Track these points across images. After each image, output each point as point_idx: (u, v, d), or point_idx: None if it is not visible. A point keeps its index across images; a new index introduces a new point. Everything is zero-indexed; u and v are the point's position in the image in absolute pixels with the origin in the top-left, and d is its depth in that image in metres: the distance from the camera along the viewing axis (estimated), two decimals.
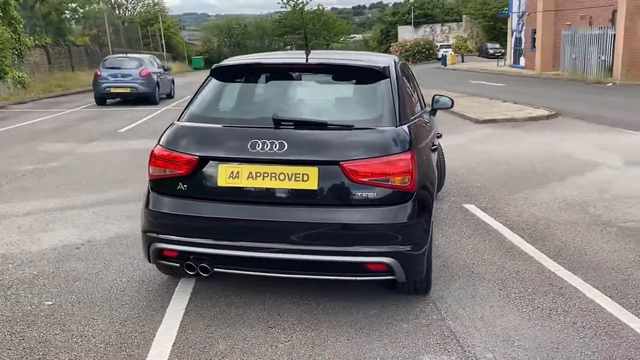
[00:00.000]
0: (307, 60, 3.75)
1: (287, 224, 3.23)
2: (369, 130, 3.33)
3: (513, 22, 35.70)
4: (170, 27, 61.30)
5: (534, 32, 32.24)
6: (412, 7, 62.24)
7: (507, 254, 4.46)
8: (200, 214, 3.37)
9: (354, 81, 3.72)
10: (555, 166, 7.65)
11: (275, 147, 3.22)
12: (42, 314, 3.54)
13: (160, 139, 3.59)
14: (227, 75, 3.90)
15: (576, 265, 4.19)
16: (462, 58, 50.14)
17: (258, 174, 3.25)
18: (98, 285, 3.96)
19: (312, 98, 3.81)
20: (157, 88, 18.29)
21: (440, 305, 3.57)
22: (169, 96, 20.30)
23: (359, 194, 3.19)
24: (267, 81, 3.89)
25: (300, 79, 3.82)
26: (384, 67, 3.65)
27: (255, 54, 4.49)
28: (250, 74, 3.96)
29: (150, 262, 3.61)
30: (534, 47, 32.29)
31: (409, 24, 61.00)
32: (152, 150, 3.52)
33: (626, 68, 23.68)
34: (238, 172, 3.28)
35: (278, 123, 3.36)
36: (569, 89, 20.69)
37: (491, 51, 52.72)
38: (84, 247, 4.78)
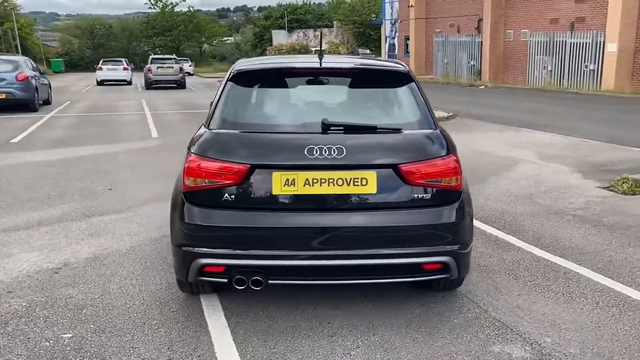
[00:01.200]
0: (330, 64, 3.73)
1: (346, 230, 3.21)
2: (416, 133, 3.40)
3: (386, 29, 37.60)
4: (24, 27, 56.22)
5: (407, 38, 34.26)
6: (285, 12, 63.06)
7: (497, 246, 4.77)
8: (253, 225, 3.22)
9: (384, 84, 3.74)
10: (483, 163, 8.26)
11: (333, 152, 3.18)
12: (68, 347, 3.14)
13: (192, 147, 3.37)
14: (251, 79, 3.74)
15: (563, 252, 4.59)
16: None
17: (315, 181, 3.18)
18: (111, 311, 3.60)
19: (347, 102, 3.78)
20: (36, 93, 16.70)
21: (474, 298, 3.73)
22: (47, 102, 18.62)
23: (415, 195, 3.25)
24: (296, 85, 3.80)
25: (329, 83, 3.77)
26: (408, 70, 3.74)
27: (270, 58, 4.35)
28: (276, 77, 3.81)
29: (186, 280, 3.37)
30: (407, 52, 34.30)
31: (283, 28, 61.72)
32: (189, 161, 3.29)
33: (493, 72, 26.08)
34: (294, 180, 3.18)
35: (327, 128, 3.30)
36: (451, 92, 22.30)
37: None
38: (63, 271, 4.29)
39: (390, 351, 3.09)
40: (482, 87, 24.03)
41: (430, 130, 3.42)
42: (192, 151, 3.36)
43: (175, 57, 30.45)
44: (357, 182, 3.19)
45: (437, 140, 3.38)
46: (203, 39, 69.70)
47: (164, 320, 3.48)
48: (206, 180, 3.26)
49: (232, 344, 3.18)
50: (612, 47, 19.47)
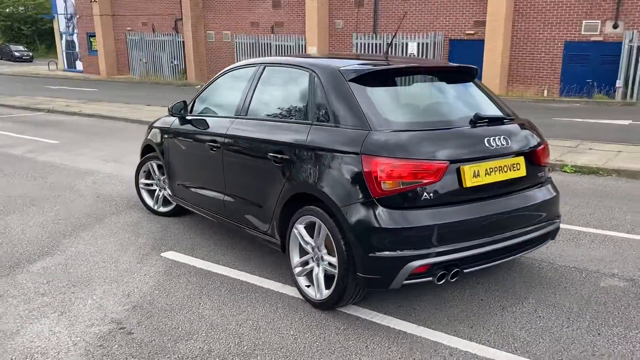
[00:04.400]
0: (446, 63, 3.96)
1: (514, 212, 3.54)
2: (522, 120, 3.88)
3: (61, 25, 34.08)
4: None
5: (91, 35, 31.83)
6: None
7: None
8: (453, 219, 3.29)
9: (469, 80, 4.05)
10: None
11: (502, 142, 3.47)
12: None
13: (374, 150, 3.20)
14: (375, 80, 3.70)
15: None
16: None
17: (491, 169, 3.43)
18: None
19: (455, 97, 3.93)
20: None
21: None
22: None
23: (540, 174, 3.80)
24: (412, 83, 3.85)
25: (434, 81, 3.91)
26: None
27: (365, 58, 4.11)
28: (394, 77, 3.81)
29: (388, 287, 3.29)
30: (93, 51, 31.93)
31: None
32: (383, 164, 3.19)
33: (198, 72, 26.67)
34: (478, 171, 3.36)
35: (475, 121, 3.53)
36: (175, 92, 21.97)
37: (17, 54, 48.45)
38: (125, 332, 3.29)
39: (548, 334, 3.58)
40: (198, 86, 24.38)
41: (523, 119, 3.97)
42: (377, 154, 3.17)
43: None
44: (515, 167, 3.57)
45: (535, 126, 3.95)
46: None
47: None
48: (402, 182, 3.15)
49: (440, 333, 3.17)
50: (312, 50, 22.33)
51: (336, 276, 3.49)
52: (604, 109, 14.31)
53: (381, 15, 20.89)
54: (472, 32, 18.87)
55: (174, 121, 5.37)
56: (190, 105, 5.23)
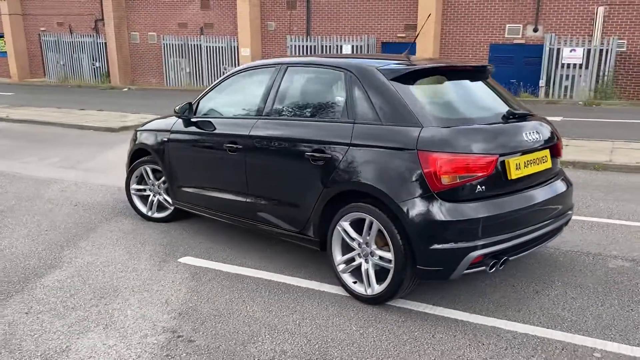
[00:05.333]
0: (465, 64, 4.15)
1: (546, 202, 3.82)
2: (540, 117, 4.17)
3: None
4: None
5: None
6: None
7: None
8: (505, 210, 3.51)
9: (486, 77, 4.27)
10: None
11: (535, 136, 3.75)
12: None
13: (430, 146, 3.38)
14: (417, 78, 3.85)
15: None
16: None
17: (528, 162, 3.71)
18: None
19: (481, 94, 4.11)
20: None
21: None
22: None
23: (558, 167, 4.12)
24: (443, 82, 3.99)
25: (461, 79, 4.10)
26: None
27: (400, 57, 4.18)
28: (431, 76, 3.98)
29: (449, 278, 3.49)
30: (2, 52, 29.79)
31: None
32: (442, 160, 3.36)
33: (122, 74, 25.66)
34: (519, 163, 3.61)
35: (508, 117, 3.78)
36: (100, 95, 20.99)
37: None
38: (185, 340, 3.22)
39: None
40: (125, 89, 23.44)
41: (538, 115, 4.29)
42: (435, 150, 3.36)
43: None
44: (544, 159, 3.86)
45: (549, 121, 4.26)
46: None
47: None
48: (459, 176, 3.33)
49: (494, 319, 3.39)
50: (245, 51, 22.15)
51: (392, 270, 3.59)
52: (531, 107, 15.25)
53: (314, 18, 21.12)
54: (403, 35, 19.54)
55: (175, 123, 5.23)
56: (195, 107, 5.13)
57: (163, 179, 5.57)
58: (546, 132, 3.98)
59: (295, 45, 20.94)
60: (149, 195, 5.77)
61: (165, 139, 5.30)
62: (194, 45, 23.34)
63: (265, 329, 3.50)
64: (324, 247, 4.10)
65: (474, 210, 3.42)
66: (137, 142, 5.73)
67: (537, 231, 3.74)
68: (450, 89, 4.02)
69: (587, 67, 16.25)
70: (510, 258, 3.60)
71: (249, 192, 4.53)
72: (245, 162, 4.48)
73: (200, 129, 4.94)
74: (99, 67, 26.31)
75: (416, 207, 3.42)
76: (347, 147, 3.78)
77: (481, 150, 3.44)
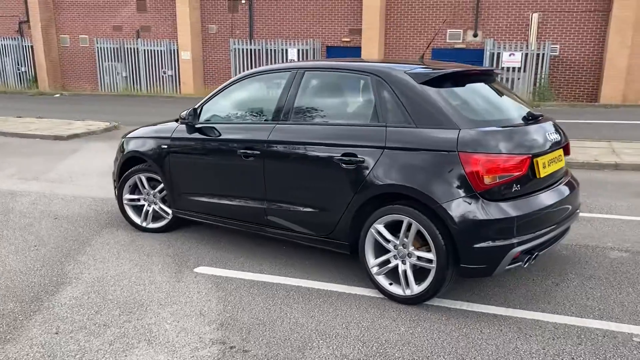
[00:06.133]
0: (479, 68, 4.29)
1: (566, 199, 4.03)
2: (549, 118, 4.40)
3: None
4: None
5: None
6: None
7: None
8: (539, 207, 3.70)
9: (495, 80, 4.45)
10: None
11: (556, 137, 3.98)
12: None
13: (471, 147, 3.51)
14: (446, 82, 3.96)
15: None
16: None
17: (550, 161, 3.94)
18: None
19: (498, 96, 4.25)
20: None
21: None
22: None
23: (566, 167, 4.36)
24: (465, 85, 4.11)
25: (479, 82, 4.25)
26: None
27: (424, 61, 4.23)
28: (461, 80, 4.04)
29: (491, 275, 3.65)
30: None
31: None
32: (480, 160, 3.50)
33: (52, 79, 24.43)
34: (545, 162, 3.81)
35: (528, 118, 3.98)
36: (32, 102, 19.87)
37: None
38: (239, 351, 3.18)
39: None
40: (57, 95, 22.27)
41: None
42: (476, 151, 3.51)
43: None
44: (559, 158, 4.08)
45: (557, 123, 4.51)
46: None
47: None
48: (498, 176, 3.48)
49: (530, 312, 3.59)
50: (185, 55, 21.68)
51: (434, 270, 3.67)
52: None
53: (257, 21, 21.00)
54: (348, 39, 19.82)
55: (176, 129, 5.09)
56: (198, 113, 5.01)
57: (159, 187, 5.39)
58: (559, 132, 4.21)
59: (238, 49, 20.75)
60: (143, 205, 5.56)
61: (166, 146, 5.14)
62: (131, 48, 22.58)
63: (316, 335, 3.49)
64: (353, 250, 4.12)
65: (512, 208, 3.57)
66: (128, 151, 5.51)
67: (559, 228, 3.94)
68: (472, 91, 4.16)
69: (524, 71, 17.14)
70: (539, 253, 3.77)
71: (267, 198, 4.48)
72: (264, 167, 4.42)
73: (206, 135, 4.83)
74: (25, 71, 24.90)
75: (460, 208, 3.52)
76: (382, 150, 3.83)
77: (517, 151, 3.60)
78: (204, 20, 21.87)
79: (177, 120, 5.30)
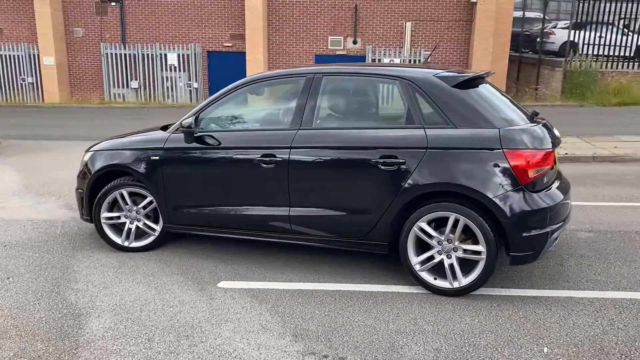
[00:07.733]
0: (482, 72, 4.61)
1: (568, 193, 4.50)
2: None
3: None
4: None
5: None
6: None
7: None
8: (561, 199, 4.10)
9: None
10: None
11: (558, 134, 4.41)
12: None
13: (514, 144, 3.83)
14: (466, 85, 4.22)
15: None
16: None
17: (556, 155, 4.36)
18: None
19: (499, 97, 4.56)
20: None
21: None
22: None
23: None
24: (478, 86, 4.38)
25: (485, 84, 4.56)
26: None
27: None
28: (474, 83, 4.32)
29: (536, 260, 4.00)
30: None
31: None
32: (524, 155, 3.83)
33: None
34: (555, 157, 4.25)
35: (532, 117, 4.41)
36: None
37: None
38: (337, 358, 3.17)
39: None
40: None
41: None
42: (519, 148, 3.85)
43: None
44: (557, 154, 4.55)
45: None
46: None
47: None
48: (537, 169, 3.86)
49: (560, 291, 4.07)
50: (48, 61, 19.79)
51: (483, 261, 3.92)
52: None
53: (129, 25, 19.85)
54: (229, 44, 19.57)
55: (169, 138, 4.78)
56: (197, 121, 4.74)
57: (144, 202, 5.00)
58: (554, 131, 4.71)
59: (110, 54, 19.48)
60: (124, 223, 5.11)
61: (157, 157, 4.79)
62: None
63: (396, 334, 3.54)
64: (392, 250, 4.23)
65: (548, 198, 3.96)
66: (104, 165, 5.02)
67: (568, 217, 4.40)
68: (486, 93, 4.49)
69: None
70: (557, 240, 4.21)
71: (292, 204, 4.40)
72: (288, 174, 4.34)
73: (210, 143, 4.60)
74: None
75: (510, 200, 3.81)
76: (424, 151, 3.99)
77: (547, 146, 3.98)
78: (68, 23, 20.17)
79: (163, 129, 4.97)
